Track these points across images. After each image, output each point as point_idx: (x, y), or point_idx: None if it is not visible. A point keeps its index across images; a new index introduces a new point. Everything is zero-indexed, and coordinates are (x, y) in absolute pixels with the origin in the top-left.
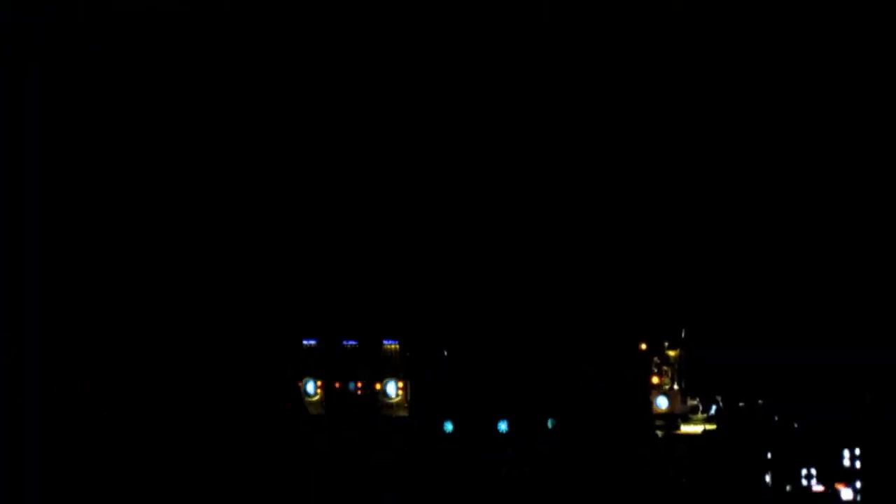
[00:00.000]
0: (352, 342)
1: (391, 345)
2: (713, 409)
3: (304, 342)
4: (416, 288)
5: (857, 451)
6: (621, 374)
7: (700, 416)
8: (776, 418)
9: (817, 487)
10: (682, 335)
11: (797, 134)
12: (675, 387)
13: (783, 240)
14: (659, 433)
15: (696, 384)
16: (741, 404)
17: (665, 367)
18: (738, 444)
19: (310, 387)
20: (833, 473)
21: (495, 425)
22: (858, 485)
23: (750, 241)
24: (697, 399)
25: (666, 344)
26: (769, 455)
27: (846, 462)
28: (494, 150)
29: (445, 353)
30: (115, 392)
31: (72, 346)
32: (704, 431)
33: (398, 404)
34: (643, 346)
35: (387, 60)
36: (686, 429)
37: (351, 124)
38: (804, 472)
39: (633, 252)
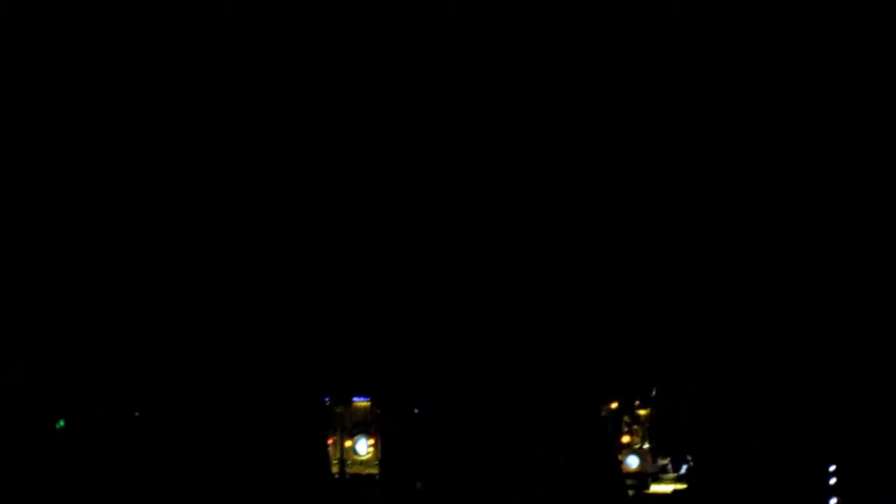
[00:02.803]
0: (325, 399)
1: (362, 402)
2: (684, 468)
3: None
4: (387, 345)
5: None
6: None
7: (671, 475)
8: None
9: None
10: (653, 394)
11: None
12: (646, 446)
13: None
14: (630, 492)
15: (666, 443)
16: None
17: (636, 426)
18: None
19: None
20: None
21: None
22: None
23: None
24: (668, 458)
25: (636, 403)
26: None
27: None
28: (460, 213)
29: (416, 411)
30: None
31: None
32: (675, 491)
33: (368, 461)
34: (613, 406)
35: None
36: (656, 488)
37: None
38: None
39: (602, 312)
